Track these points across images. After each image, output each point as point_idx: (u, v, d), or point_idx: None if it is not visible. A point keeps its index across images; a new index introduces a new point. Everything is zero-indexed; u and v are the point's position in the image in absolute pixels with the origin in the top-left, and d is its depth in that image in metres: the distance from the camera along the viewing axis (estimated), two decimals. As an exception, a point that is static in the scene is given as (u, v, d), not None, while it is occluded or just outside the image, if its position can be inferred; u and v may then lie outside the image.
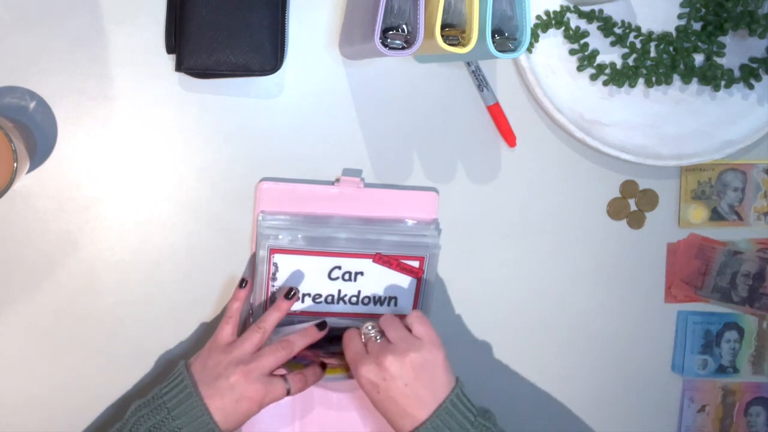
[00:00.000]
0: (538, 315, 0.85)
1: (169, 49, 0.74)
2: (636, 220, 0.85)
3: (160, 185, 0.77)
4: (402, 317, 0.71)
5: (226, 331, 0.71)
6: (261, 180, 0.77)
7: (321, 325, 0.73)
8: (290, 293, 0.74)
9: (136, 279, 0.77)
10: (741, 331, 0.88)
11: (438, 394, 0.66)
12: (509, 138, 0.81)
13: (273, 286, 0.77)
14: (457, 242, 0.82)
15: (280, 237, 0.75)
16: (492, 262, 0.83)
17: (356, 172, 0.79)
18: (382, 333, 0.70)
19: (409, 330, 0.69)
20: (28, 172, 0.74)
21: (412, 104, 0.80)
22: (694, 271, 0.86)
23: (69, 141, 0.75)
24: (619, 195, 0.85)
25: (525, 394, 0.85)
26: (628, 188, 0.84)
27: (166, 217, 0.77)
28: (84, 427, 0.78)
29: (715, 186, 0.85)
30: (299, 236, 0.76)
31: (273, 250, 0.76)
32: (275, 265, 0.76)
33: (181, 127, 0.76)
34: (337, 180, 0.78)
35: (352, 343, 0.70)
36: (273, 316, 0.72)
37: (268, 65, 0.73)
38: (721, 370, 0.89)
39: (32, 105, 0.73)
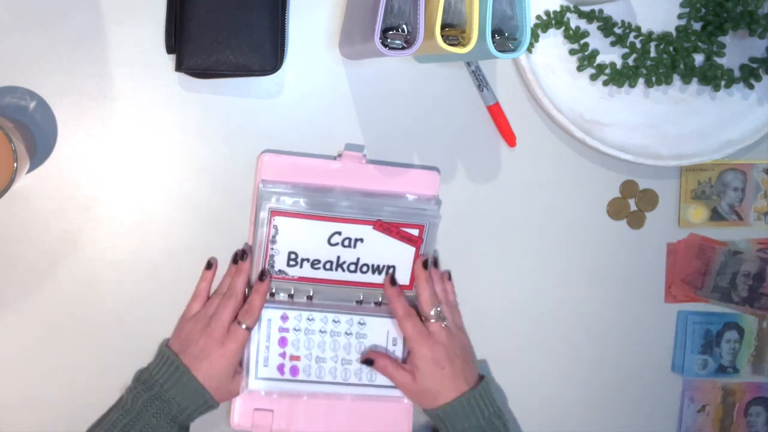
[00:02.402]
0: (538, 315, 0.85)
1: (169, 49, 0.74)
2: (636, 220, 0.85)
3: (160, 185, 0.77)
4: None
5: (193, 306, 0.77)
6: (263, 152, 0.77)
7: (261, 275, 0.76)
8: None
9: (136, 279, 0.77)
10: (741, 331, 0.88)
11: (469, 380, 0.75)
12: (509, 138, 0.81)
13: (272, 249, 0.76)
14: (457, 242, 0.82)
15: (282, 199, 0.75)
16: (491, 262, 0.83)
17: (359, 148, 0.79)
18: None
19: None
20: (28, 172, 0.74)
21: (412, 104, 0.80)
22: (694, 271, 0.86)
23: (69, 141, 0.75)
24: (619, 195, 0.85)
25: (524, 393, 0.85)
26: (628, 188, 0.84)
27: (166, 217, 0.77)
28: (84, 426, 0.77)
29: (715, 186, 0.85)
30: (300, 200, 0.76)
31: (274, 213, 0.75)
32: (275, 227, 0.75)
33: (181, 127, 0.76)
34: (340, 155, 0.78)
35: (414, 321, 0.76)
36: (241, 283, 0.76)
37: (268, 65, 0.73)
38: (721, 370, 0.89)
39: (32, 105, 0.73)
